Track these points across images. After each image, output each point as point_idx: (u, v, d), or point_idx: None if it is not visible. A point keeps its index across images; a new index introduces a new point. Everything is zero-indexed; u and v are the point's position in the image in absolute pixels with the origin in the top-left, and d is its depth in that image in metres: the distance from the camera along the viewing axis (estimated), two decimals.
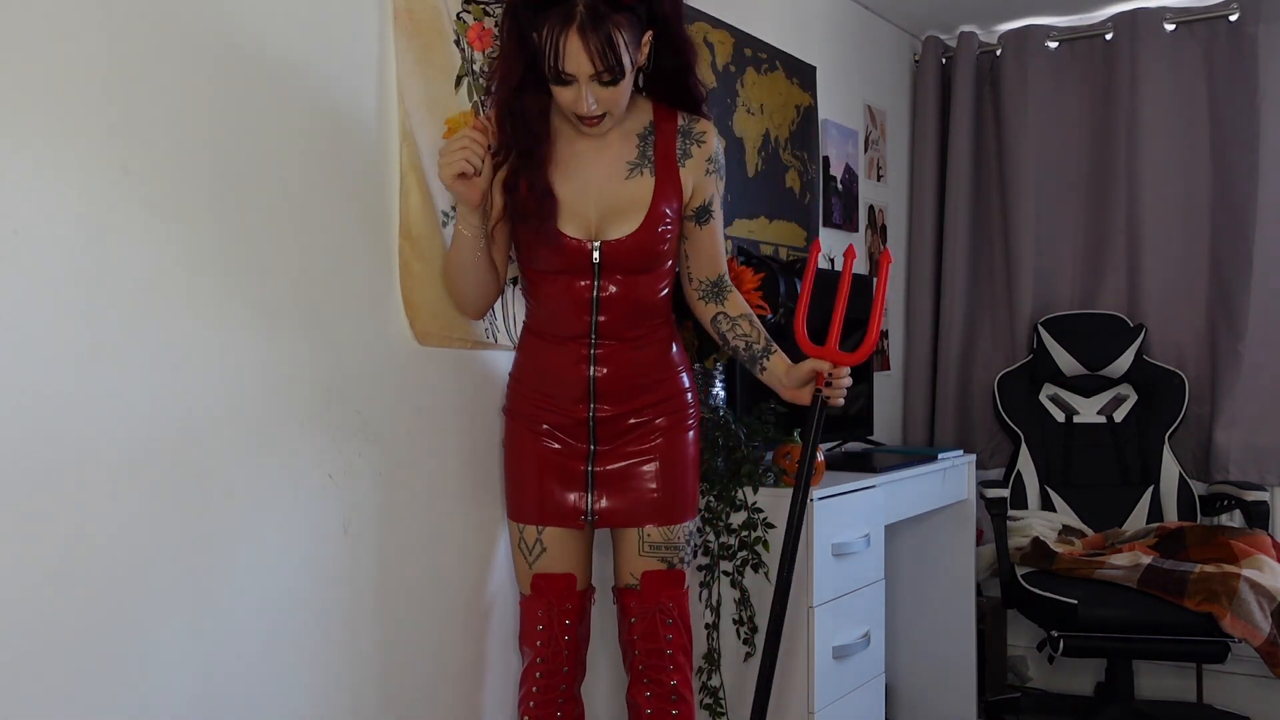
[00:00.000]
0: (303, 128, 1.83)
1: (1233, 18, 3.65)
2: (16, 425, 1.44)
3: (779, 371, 2.07)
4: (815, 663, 2.43)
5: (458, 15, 2.09)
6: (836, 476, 2.67)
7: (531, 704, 2.01)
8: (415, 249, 2.02)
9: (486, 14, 2.14)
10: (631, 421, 2.02)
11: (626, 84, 1.84)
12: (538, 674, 2.01)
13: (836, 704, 2.51)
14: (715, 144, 2.02)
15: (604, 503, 2.02)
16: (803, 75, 3.35)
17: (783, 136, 3.24)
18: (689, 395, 2.08)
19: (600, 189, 1.94)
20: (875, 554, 2.68)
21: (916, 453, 3.26)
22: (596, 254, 1.93)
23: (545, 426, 2.03)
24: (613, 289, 1.96)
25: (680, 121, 1.99)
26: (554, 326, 2.01)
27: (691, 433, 2.08)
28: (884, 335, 3.90)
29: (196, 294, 1.66)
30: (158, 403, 1.61)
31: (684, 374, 2.09)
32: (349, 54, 1.92)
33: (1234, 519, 3.49)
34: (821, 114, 3.47)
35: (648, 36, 1.86)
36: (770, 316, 2.52)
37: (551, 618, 2.01)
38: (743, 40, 3.04)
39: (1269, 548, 3.12)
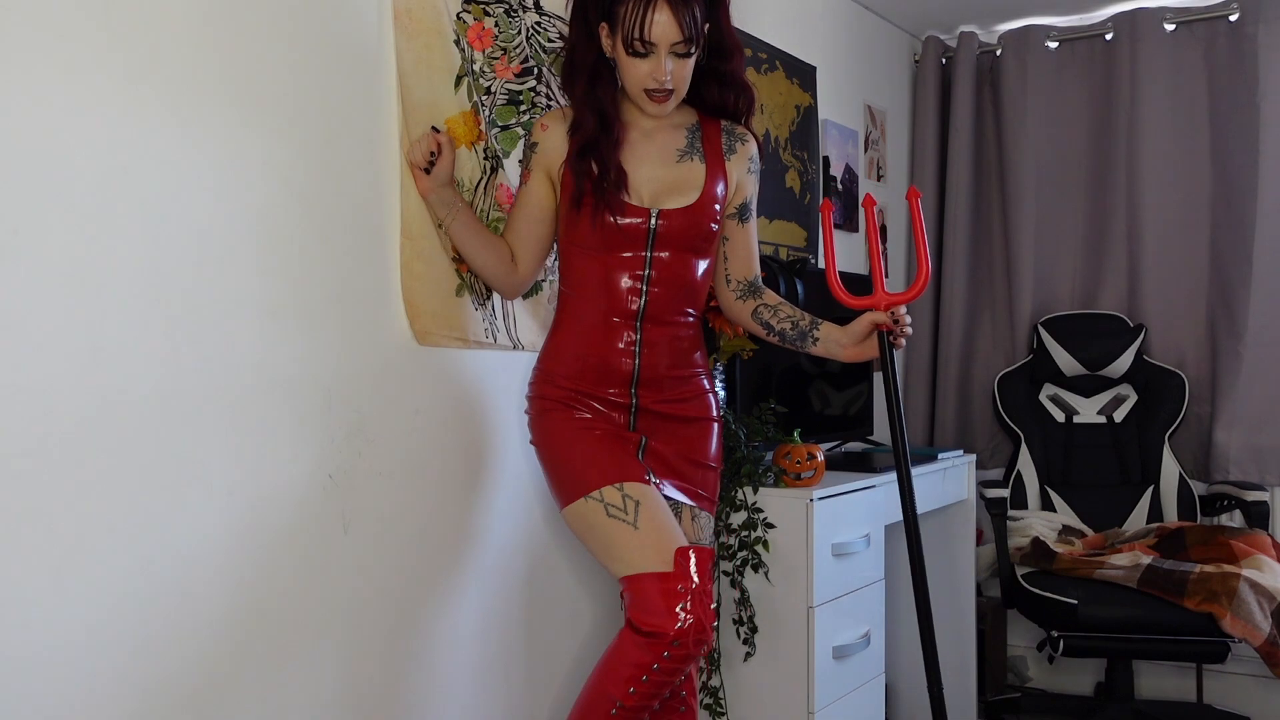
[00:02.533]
0: (303, 127, 1.83)
1: (1233, 18, 3.65)
2: (15, 425, 1.44)
3: (834, 336, 2.02)
4: (815, 663, 2.43)
5: (458, 15, 2.08)
6: (836, 476, 2.67)
7: (644, 678, 1.81)
8: (415, 249, 2.02)
9: (486, 14, 2.14)
10: (664, 414, 2.02)
11: (692, 65, 1.95)
12: (665, 654, 1.79)
13: (836, 704, 2.51)
14: (754, 147, 2.10)
15: (657, 474, 1.98)
16: (803, 75, 3.35)
17: (783, 136, 3.24)
18: (711, 397, 2.10)
19: (652, 171, 1.99)
20: (875, 554, 2.68)
21: (916, 453, 3.26)
22: (654, 220, 1.96)
23: (590, 400, 1.98)
24: (663, 265, 1.97)
25: (723, 124, 2.08)
26: (598, 309, 1.98)
27: (715, 440, 2.09)
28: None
29: (196, 294, 1.66)
30: (158, 403, 1.61)
31: (705, 376, 2.10)
32: (349, 54, 1.92)
33: (1234, 519, 3.48)
34: (821, 114, 3.47)
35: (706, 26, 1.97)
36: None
37: (698, 597, 1.81)
38: (743, 40, 3.04)
39: (1269, 548, 3.12)
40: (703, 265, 2.04)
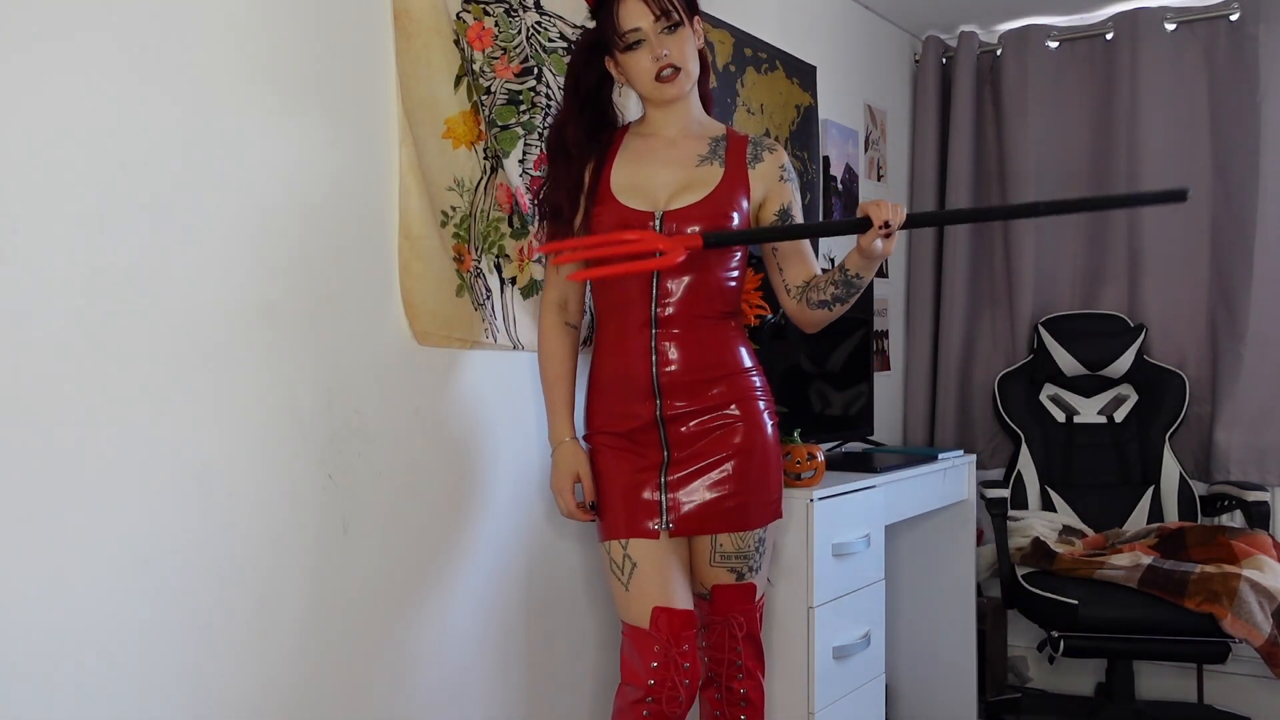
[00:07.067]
0: (302, 128, 1.83)
1: (1233, 17, 3.64)
2: (16, 426, 1.44)
3: (855, 258, 1.93)
4: (815, 663, 2.43)
5: (458, 15, 2.08)
6: (836, 476, 2.67)
7: None
8: (415, 249, 2.01)
9: (486, 13, 2.14)
10: (702, 424, 2.00)
11: (690, 42, 1.99)
12: (645, 712, 1.94)
13: (836, 704, 2.51)
14: (785, 156, 2.11)
15: (679, 511, 2.00)
16: (803, 75, 3.35)
17: (783, 136, 3.24)
18: (760, 394, 2.06)
19: (670, 175, 2.02)
20: (875, 554, 2.68)
21: (916, 453, 3.26)
22: (657, 221, 1.97)
23: (619, 437, 2.02)
24: (678, 266, 1.95)
25: (750, 137, 2.11)
26: (620, 319, 2.01)
27: (769, 434, 2.06)
28: (883, 335, 3.90)
29: (196, 294, 1.66)
30: (157, 403, 1.61)
31: (754, 374, 2.07)
32: (349, 53, 1.92)
33: (1234, 519, 3.48)
34: (822, 114, 3.47)
35: (699, 20, 2.03)
36: (771, 317, 2.52)
37: (669, 659, 1.94)
38: (743, 40, 3.04)
39: (1269, 548, 3.11)
40: (728, 265, 2.03)
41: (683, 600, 1.99)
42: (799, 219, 2.10)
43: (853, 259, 1.94)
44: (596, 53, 2.04)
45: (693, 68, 2.00)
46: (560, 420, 2.07)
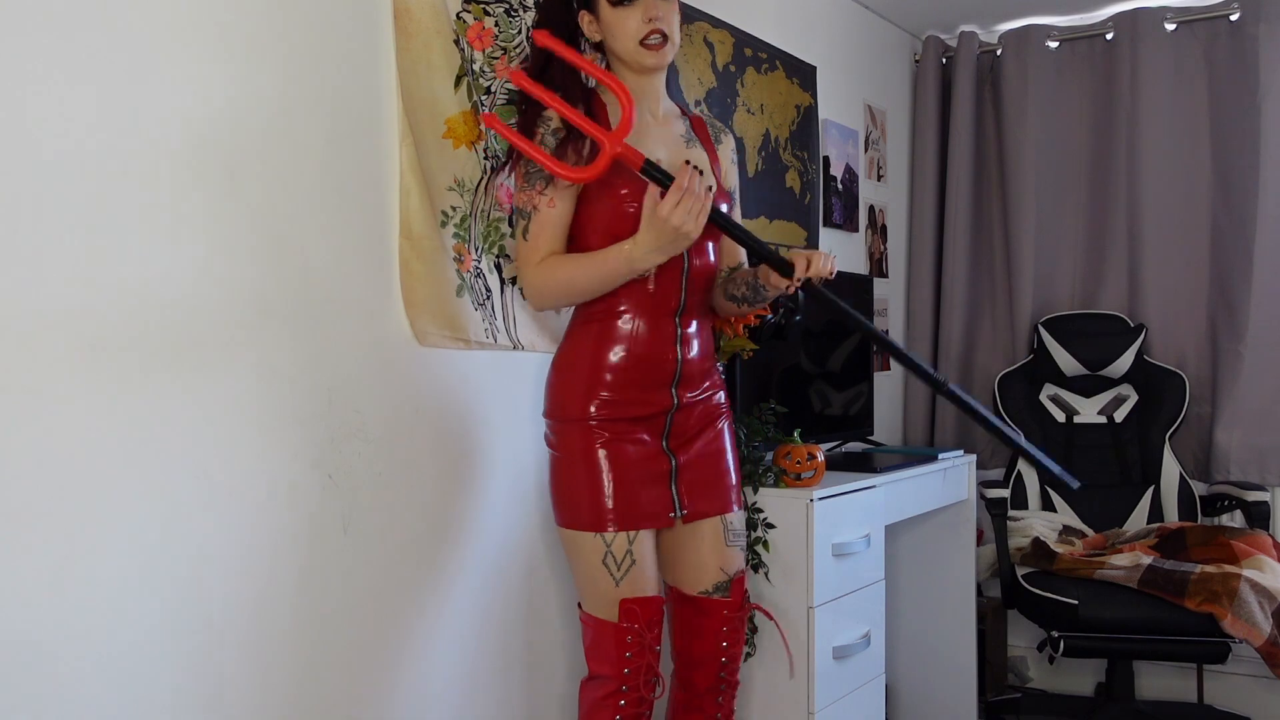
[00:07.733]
0: (303, 128, 1.83)
1: (1233, 17, 3.64)
2: (18, 426, 1.44)
3: (771, 279, 1.96)
4: (815, 663, 2.43)
5: (458, 15, 2.08)
6: (836, 476, 2.67)
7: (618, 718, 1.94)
8: (415, 249, 2.01)
9: (486, 13, 2.14)
10: (698, 411, 2.04)
11: (677, 17, 1.96)
12: (622, 702, 1.94)
13: (836, 704, 2.51)
14: (732, 139, 2.18)
15: (689, 495, 2.01)
16: (803, 75, 3.35)
17: (783, 136, 3.24)
18: (724, 383, 2.14)
19: (670, 157, 1.98)
20: (875, 554, 2.68)
21: (916, 453, 3.26)
22: None
23: (626, 424, 1.93)
24: (694, 254, 1.96)
25: (706, 117, 2.16)
26: (651, 304, 1.93)
27: (729, 423, 2.13)
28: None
29: (196, 294, 1.66)
30: (158, 403, 1.61)
31: (718, 361, 2.15)
32: (349, 53, 1.92)
33: (1235, 519, 3.48)
34: (822, 114, 3.47)
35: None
36: (770, 317, 2.51)
37: (643, 646, 1.94)
38: (743, 40, 3.04)
39: (1270, 548, 3.11)
40: (716, 252, 2.06)
41: (656, 587, 2.00)
42: (738, 203, 2.20)
43: (766, 277, 1.97)
44: (569, 2, 1.96)
45: (677, 37, 1.96)
46: (617, 247, 1.85)
